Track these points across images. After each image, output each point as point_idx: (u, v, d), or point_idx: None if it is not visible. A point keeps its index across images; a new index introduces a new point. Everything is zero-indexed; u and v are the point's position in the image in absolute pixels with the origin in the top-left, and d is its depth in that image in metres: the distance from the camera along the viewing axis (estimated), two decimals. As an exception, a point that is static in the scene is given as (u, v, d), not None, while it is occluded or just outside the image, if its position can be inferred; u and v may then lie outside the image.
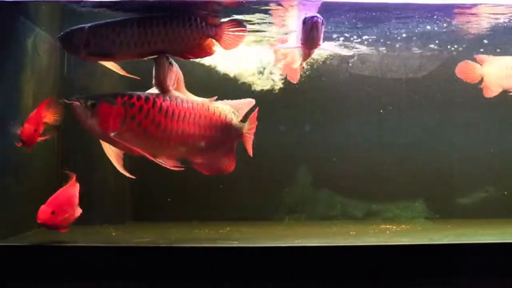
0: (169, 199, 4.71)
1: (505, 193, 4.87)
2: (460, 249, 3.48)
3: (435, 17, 4.35)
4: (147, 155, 3.43)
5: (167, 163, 3.53)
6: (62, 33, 3.67)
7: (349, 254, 3.46)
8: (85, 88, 4.46)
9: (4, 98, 3.90)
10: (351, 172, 4.89)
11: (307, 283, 3.40)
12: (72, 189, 3.74)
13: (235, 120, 3.72)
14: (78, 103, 3.36)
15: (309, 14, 3.71)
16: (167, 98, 3.51)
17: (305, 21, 3.69)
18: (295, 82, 4.42)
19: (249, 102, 3.80)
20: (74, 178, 3.77)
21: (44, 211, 3.52)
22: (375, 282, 3.40)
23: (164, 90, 3.59)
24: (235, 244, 3.72)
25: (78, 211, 3.70)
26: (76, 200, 3.72)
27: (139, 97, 3.45)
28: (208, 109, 3.62)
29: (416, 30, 4.68)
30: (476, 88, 4.61)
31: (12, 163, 3.95)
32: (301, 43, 3.79)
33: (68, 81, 4.62)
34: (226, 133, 3.68)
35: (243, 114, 3.77)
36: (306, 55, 3.97)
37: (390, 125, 4.99)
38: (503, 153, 4.93)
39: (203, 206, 4.73)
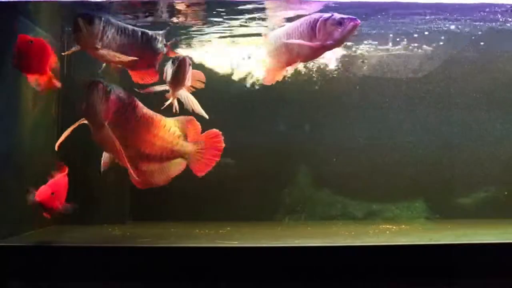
0: (168, 199, 4.70)
1: (506, 193, 4.87)
2: (460, 249, 3.48)
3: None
4: (121, 155, 3.47)
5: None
6: (85, 13, 3.51)
7: (349, 254, 3.46)
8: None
9: (4, 98, 3.90)
10: (351, 172, 4.89)
11: (307, 283, 3.40)
12: (65, 179, 3.75)
13: (181, 139, 3.75)
14: (102, 85, 3.45)
15: (339, 15, 3.54)
16: (136, 100, 3.62)
17: (342, 22, 3.51)
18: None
19: (191, 120, 3.78)
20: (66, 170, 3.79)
21: (44, 191, 3.52)
22: (375, 282, 3.40)
23: (177, 87, 3.67)
24: (235, 244, 3.72)
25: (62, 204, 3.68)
26: (65, 192, 3.72)
27: (125, 94, 3.58)
28: (160, 121, 3.69)
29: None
30: (476, 88, 4.61)
31: (12, 163, 3.94)
32: (328, 43, 3.58)
33: (68, 81, 4.60)
34: (170, 147, 3.71)
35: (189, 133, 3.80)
36: (314, 56, 3.77)
37: (391, 125, 4.98)
38: (503, 153, 4.92)
39: (203, 206, 4.73)
